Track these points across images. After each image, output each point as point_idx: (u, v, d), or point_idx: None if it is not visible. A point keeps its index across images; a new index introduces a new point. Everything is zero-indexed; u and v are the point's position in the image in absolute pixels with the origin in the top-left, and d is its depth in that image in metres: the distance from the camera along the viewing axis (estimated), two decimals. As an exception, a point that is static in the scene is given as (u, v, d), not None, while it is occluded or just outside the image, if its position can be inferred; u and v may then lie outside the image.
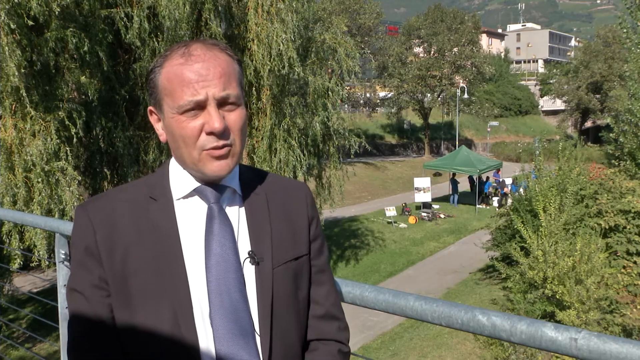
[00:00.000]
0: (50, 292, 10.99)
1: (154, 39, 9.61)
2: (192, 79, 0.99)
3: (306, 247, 1.16)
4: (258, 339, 1.03)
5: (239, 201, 1.11)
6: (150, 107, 1.10)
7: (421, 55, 40.27)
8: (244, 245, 1.07)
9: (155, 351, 1.00)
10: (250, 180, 1.15)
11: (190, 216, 1.07)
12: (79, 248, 1.04)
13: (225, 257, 1.03)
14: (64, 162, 8.49)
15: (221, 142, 1.01)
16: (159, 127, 1.09)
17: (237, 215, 1.09)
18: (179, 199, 1.08)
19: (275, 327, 1.05)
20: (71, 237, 1.08)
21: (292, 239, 1.13)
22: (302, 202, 1.19)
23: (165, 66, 1.03)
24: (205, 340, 1.00)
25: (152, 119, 1.10)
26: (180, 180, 1.09)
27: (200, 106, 1.00)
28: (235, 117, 1.03)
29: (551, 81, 57.24)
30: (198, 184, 1.08)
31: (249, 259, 1.05)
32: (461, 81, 39.81)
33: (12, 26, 7.74)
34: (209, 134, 1.00)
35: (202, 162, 1.03)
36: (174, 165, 1.11)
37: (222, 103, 1.01)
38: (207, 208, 1.07)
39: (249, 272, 1.05)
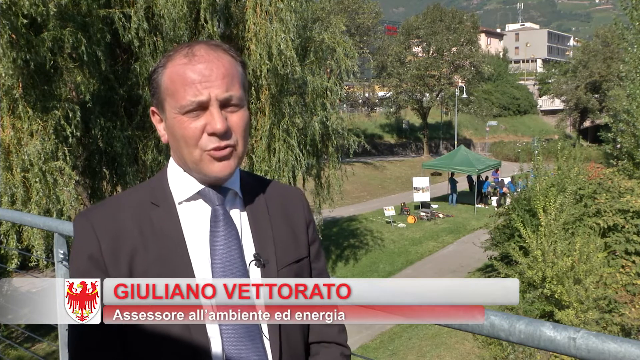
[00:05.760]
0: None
1: (153, 39, 9.61)
2: (195, 79, 0.99)
3: (306, 249, 1.16)
4: (265, 341, 1.03)
5: (240, 204, 1.11)
6: (152, 108, 1.09)
7: (420, 54, 40.22)
8: (248, 248, 1.07)
9: (166, 354, 0.99)
10: (250, 184, 1.15)
11: (194, 219, 1.06)
12: (82, 257, 1.02)
13: (231, 259, 1.03)
14: (61, 162, 8.48)
15: (223, 143, 1.01)
16: (160, 128, 1.08)
17: (239, 217, 1.10)
18: (181, 203, 1.07)
19: (283, 330, 1.05)
20: (73, 246, 1.05)
21: (293, 242, 1.14)
22: (299, 206, 1.20)
23: (168, 66, 1.03)
24: (214, 342, 1.00)
25: (154, 119, 1.09)
26: (181, 183, 1.08)
27: (202, 107, 1.00)
28: (237, 118, 1.03)
29: (550, 81, 57.17)
30: (201, 187, 1.07)
31: (254, 262, 1.05)
32: (460, 81, 39.75)
33: (8, 26, 7.72)
34: (211, 134, 1.00)
35: (203, 163, 1.02)
36: (173, 169, 1.10)
37: (224, 104, 1.01)
38: (211, 210, 1.06)
39: (255, 274, 1.05)
